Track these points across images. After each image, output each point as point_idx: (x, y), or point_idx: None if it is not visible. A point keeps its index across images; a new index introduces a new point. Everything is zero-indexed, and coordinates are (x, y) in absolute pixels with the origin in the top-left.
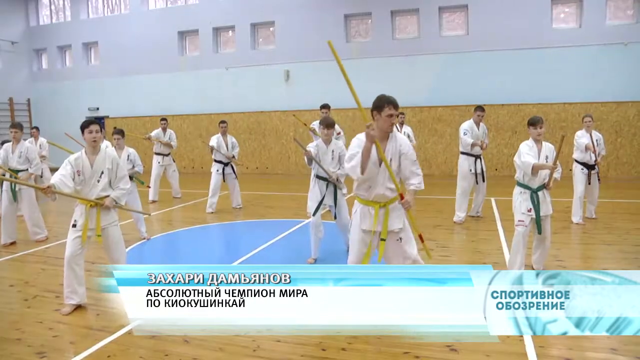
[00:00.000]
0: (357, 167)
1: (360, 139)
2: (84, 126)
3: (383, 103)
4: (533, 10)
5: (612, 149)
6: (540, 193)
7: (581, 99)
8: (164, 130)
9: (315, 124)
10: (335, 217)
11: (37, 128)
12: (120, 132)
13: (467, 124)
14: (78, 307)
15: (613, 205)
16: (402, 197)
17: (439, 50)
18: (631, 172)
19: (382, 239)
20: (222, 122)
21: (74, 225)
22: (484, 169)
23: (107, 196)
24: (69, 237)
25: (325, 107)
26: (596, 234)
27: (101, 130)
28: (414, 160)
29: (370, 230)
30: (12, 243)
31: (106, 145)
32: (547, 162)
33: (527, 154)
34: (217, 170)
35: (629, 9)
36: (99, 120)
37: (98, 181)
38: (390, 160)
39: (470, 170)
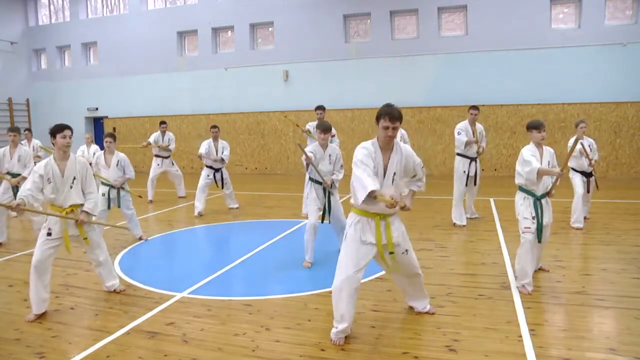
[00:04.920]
0: (363, 192)
1: (367, 148)
2: (56, 130)
3: (380, 113)
4: (532, 10)
5: (611, 150)
6: (543, 200)
7: (580, 99)
8: (163, 133)
9: (310, 126)
10: (329, 221)
11: (29, 130)
12: (112, 136)
13: (462, 124)
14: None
15: (612, 205)
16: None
17: (438, 50)
18: (630, 173)
19: (391, 252)
20: (214, 127)
21: (49, 234)
22: (478, 172)
23: (82, 204)
24: (40, 244)
25: (320, 108)
26: (595, 235)
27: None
28: (421, 166)
29: (372, 243)
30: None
31: (81, 152)
32: (548, 166)
33: (532, 157)
34: (208, 176)
35: (628, 10)
36: (99, 120)
37: (71, 187)
38: (394, 174)
39: (464, 171)
